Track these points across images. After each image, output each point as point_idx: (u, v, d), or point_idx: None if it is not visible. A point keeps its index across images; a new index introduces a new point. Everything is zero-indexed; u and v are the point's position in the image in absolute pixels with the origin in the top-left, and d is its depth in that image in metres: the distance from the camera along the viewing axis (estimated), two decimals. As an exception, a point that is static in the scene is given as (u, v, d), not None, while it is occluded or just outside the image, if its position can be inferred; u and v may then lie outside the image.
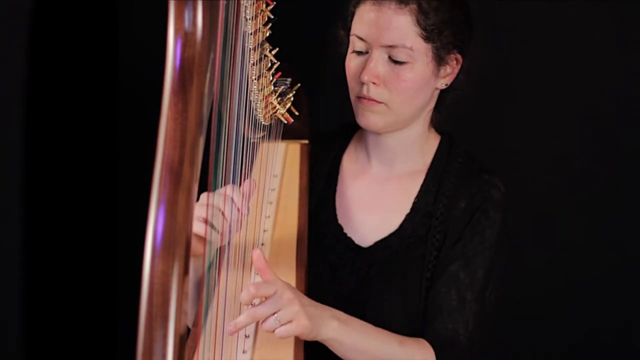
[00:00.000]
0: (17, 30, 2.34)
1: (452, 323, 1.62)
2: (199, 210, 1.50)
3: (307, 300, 1.46)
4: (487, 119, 2.53)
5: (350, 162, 1.85)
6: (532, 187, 2.57)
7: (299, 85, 1.84)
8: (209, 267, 1.57)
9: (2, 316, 2.39)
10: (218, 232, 1.51)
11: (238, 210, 1.50)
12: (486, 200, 1.70)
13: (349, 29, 1.74)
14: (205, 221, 1.50)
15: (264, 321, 1.40)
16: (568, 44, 2.52)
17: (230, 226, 1.50)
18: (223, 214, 1.50)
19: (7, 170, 2.36)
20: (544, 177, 2.58)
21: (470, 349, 1.63)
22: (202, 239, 1.50)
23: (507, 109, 2.58)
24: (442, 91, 1.76)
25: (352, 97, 1.73)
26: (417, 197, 1.76)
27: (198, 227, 1.49)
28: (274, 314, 1.39)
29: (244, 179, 1.56)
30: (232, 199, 1.50)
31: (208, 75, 0.98)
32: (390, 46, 1.66)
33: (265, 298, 1.40)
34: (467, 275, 1.65)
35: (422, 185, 1.77)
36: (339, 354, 1.52)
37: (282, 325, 1.40)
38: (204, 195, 1.50)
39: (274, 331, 1.40)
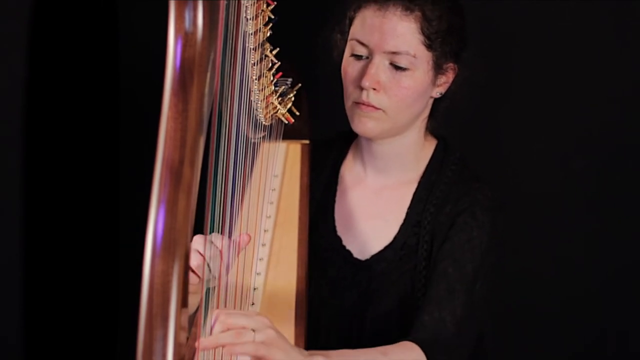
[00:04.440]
0: (17, 30, 2.34)
1: (439, 311, 1.58)
2: (193, 258, 1.46)
3: (286, 339, 1.36)
4: (488, 119, 2.53)
5: (348, 171, 1.84)
6: (531, 188, 2.57)
7: (299, 85, 1.84)
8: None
9: (2, 316, 2.39)
10: (214, 276, 1.49)
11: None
12: (473, 204, 1.68)
13: (346, 33, 1.73)
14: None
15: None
16: (567, 43, 2.52)
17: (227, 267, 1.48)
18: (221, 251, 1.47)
19: (7, 170, 2.35)
20: (543, 178, 2.58)
21: (459, 338, 1.59)
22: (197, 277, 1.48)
23: (505, 111, 2.58)
24: (435, 100, 1.75)
25: (349, 103, 1.71)
26: (410, 207, 1.75)
27: (194, 261, 1.46)
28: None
29: (245, 179, 1.56)
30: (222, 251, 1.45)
31: (208, 75, 0.98)
32: (394, 52, 1.65)
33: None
34: (456, 270, 1.62)
35: (414, 194, 1.76)
36: None
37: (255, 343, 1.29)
38: (196, 239, 1.47)
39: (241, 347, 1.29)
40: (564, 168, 2.57)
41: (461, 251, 1.64)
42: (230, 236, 1.52)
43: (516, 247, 2.49)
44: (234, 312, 1.33)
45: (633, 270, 2.56)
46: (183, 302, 0.97)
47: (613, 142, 2.54)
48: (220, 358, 1.41)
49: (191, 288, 1.45)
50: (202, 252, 1.46)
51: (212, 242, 1.47)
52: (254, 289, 1.58)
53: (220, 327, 1.29)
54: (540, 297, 2.59)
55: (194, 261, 1.47)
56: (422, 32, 1.65)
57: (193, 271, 1.47)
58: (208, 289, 1.53)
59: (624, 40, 2.50)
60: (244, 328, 1.29)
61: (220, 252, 1.46)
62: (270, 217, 1.75)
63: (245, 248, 1.57)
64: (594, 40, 2.50)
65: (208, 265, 1.47)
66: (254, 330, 1.29)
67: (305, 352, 1.40)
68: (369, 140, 1.76)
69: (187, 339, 1.40)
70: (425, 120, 1.77)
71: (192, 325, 1.52)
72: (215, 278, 1.49)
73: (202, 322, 1.48)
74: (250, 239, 1.50)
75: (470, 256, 1.64)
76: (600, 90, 2.51)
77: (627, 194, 2.54)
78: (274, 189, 1.82)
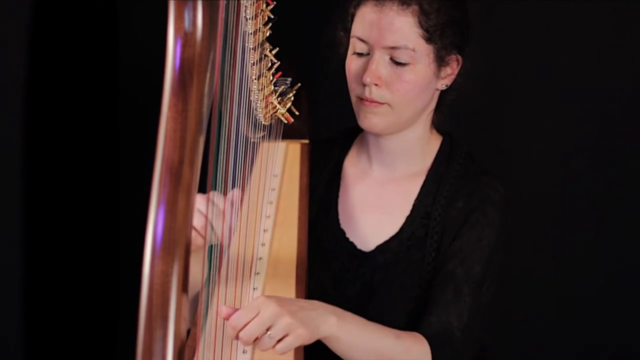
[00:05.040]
0: (17, 30, 2.34)
1: (446, 315, 1.60)
2: (198, 202, 1.49)
3: (297, 304, 1.43)
4: (488, 118, 2.53)
5: (352, 166, 1.85)
6: (532, 188, 2.57)
7: (299, 84, 1.84)
8: (209, 268, 1.57)
9: (3, 316, 2.39)
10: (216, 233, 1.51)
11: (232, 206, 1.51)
12: (484, 201, 1.70)
13: (349, 30, 1.73)
14: (206, 216, 1.50)
15: (258, 341, 1.36)
16: (568, 43, 2.52)
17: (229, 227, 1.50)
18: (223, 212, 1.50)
19: (7, 170, 2.35)
20: (543, 178, 2.58)
21: (466, 342, 1.61)
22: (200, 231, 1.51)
23: (508, 109, 2.58)
24: (442, 92, 1.76)
25: (353, 99, 1.72)
26: (417, 199, 1.76)
27: (197, 221, 1.49)
28: (267, 331, 1.36)
29: (244, 179, 1.56)
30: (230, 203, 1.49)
31: (208, 75, 0.98)
32: (393, 47, 1.65)
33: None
34: (464, 271, 1.64)
35: (422, 187, 1.76)
36: (337, 351, 1.50)
37: (278, 341, 1.37)
38: (198, 199, 1.48)
39: (274, 347, 1.37)
40: (564, 168, 2.57)
41: (470, 250, 1.66)
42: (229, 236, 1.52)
43: (516, 247, 2.48)
44: (248, 324, 1.36)
45: (633, 271, 2.56)
46: (183, 303, 0.97)
47: (613, 142, 2.53)
48: (220, 358, 1.41)
49: (194, 247, 1.47)
50: (204, 211, 1.49)
51: (214, 202, 1.50)
52: (254, 288, 1.58)
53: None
54: (540, 297, 2.59)
55: (197, 221, 1.49)
56: (420, 25, 1.65)
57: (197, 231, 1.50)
58: (211, 246, 1.53)
59: (624, 40, 2.50)
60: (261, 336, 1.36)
61: (223, 211, 1.48)
62: (269, 216, 1.75)
63: (245, 245, 1.57)
64: (594, 40, 2.50)
65: (211, 224, 1.49)
66: (269, 330, 1.36)
67: (322, 308, 1.44)
68: (376, 135, 1.76)
69: (187, 338, 1.41)
70: (431, 115, 1.78)
71: (191, 325, 1.52)
72: (217, 236, 1.50)
73: (202, 322, 1.48)
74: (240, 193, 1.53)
75: (479, 257, 1.66)
76: (601, 90, 2.51)
77: (627, 194, 2.54)
78: (274, 189, 1.82)
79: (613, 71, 2.50)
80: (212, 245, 1.53)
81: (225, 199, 1.50)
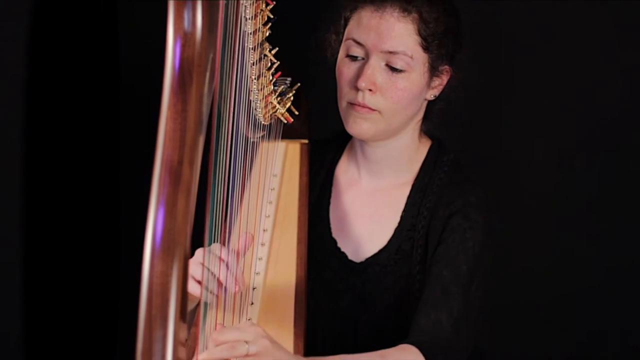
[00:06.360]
0: (17, 30, 2.34)
1: (434, 313, 1.57)
2: (194, 269, 1.45)
3: (282, 349, 1.38)
4: (485, 121, 2.53)
5: (343, 172, 1.83)
6: (532, 189, 2.57)
7: (298, 84, 1.84)
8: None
9: (3, 316, 2.39)
10: (213, 293, 1.47)
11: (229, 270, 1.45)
12: (464, 206, 1.67)
13: (341, 34, 1.72)
14: (201, 281, 1.45)
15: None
16: (566, 43, 2.52)
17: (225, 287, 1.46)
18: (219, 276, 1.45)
19: (7, 170, 2.35)
20: (543, 178, 2.58)
21: (457, 339, 1.57)
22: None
23: (505, 111, 2.58)
24: (429, 102, 1.75)
25: (343, 104, 1.70)
26: (404, 210, 1.74)
27: (192, 287, 1.45)
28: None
29: (244, 179, 1.56)
30: (226, 263, 1.44)
31: (207, 75, 0.98)
32: (391, 52, 1.64)
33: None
34: (451, 271, 1.61)
35: (408, 198, 1.75)
36: None
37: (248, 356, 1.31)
38: (198, 252, 1.45)
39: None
40: (564, 168, 2.57)
41: (455, 252, 1.63)
42: (229, 237, 1.52)
43: (515, 247, 2.49)
44: (227, 329, 1.33)
45: (633, 270, 2.56)
46: (182, 303, 0.97)
47: (613, 142, 2.53)
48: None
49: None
50: (198, 277, 1.45)
51: (212, 253, 1.46)
52: (253, 288, 1.58)
53: (213, 345, 1.30)
54: (540, 297, 2.59)
55: (192, 287, 1.46)
56: (419, 33, 1.64)
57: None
58: (206, 303, 1.52)
59: (624, 40, 2.50)
60: (237, 341, 1.30)
61: (219, 271, 1.45)
62: (269, 216, 1.75)
63: (246, 251, 1.57)
64: (594, 40, 2.49)
65: (206, 288, 1.46)
66: (247, 342, 1.30)
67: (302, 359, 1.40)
68: (363, 142, 1.75)
69: (186, 339, 1.41)
70: (420, 122, 1.76)
71: (191, 325, 1.52)
72: (213, 294, 1.47)
73: (201, 322, 1.48)
74: (252, 239, 1.50)
75: (465, 257, 1.63)
76: (600, 90, 2.51)
77: (627, 193, 2.54)
78: (273, 189, 1.82)
79: (613, 71, 2.49)
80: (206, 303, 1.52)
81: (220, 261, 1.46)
